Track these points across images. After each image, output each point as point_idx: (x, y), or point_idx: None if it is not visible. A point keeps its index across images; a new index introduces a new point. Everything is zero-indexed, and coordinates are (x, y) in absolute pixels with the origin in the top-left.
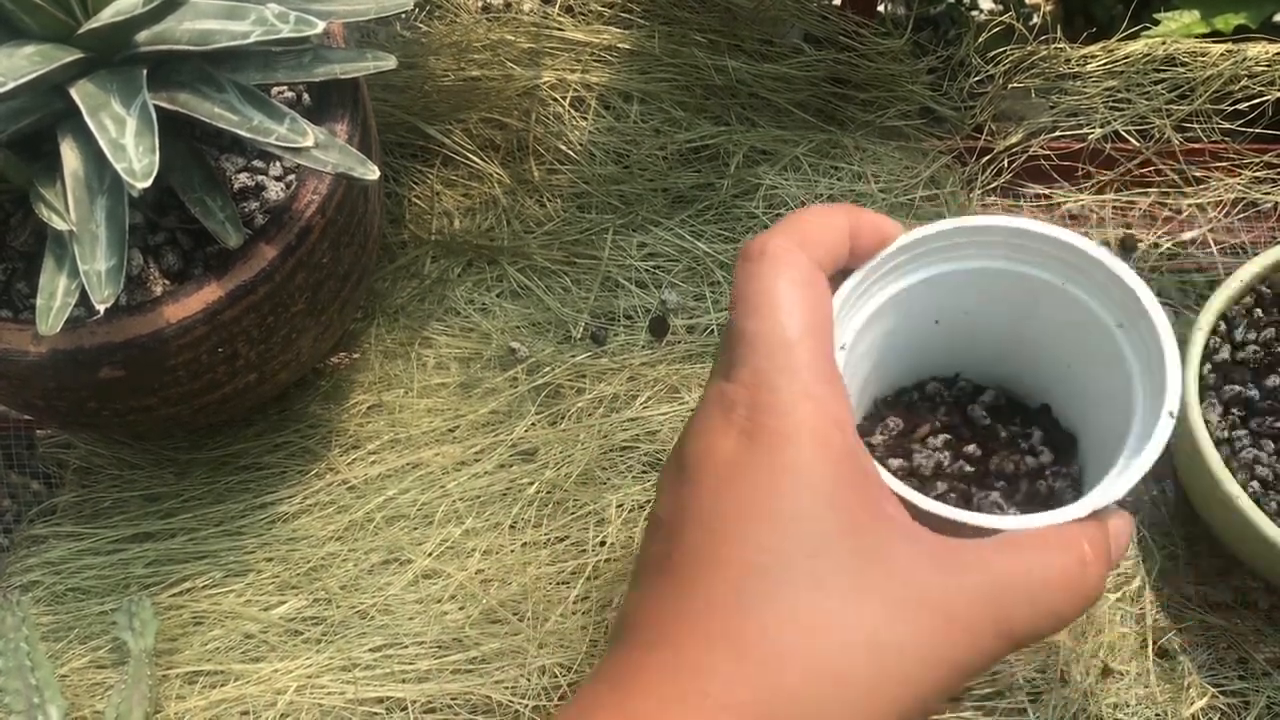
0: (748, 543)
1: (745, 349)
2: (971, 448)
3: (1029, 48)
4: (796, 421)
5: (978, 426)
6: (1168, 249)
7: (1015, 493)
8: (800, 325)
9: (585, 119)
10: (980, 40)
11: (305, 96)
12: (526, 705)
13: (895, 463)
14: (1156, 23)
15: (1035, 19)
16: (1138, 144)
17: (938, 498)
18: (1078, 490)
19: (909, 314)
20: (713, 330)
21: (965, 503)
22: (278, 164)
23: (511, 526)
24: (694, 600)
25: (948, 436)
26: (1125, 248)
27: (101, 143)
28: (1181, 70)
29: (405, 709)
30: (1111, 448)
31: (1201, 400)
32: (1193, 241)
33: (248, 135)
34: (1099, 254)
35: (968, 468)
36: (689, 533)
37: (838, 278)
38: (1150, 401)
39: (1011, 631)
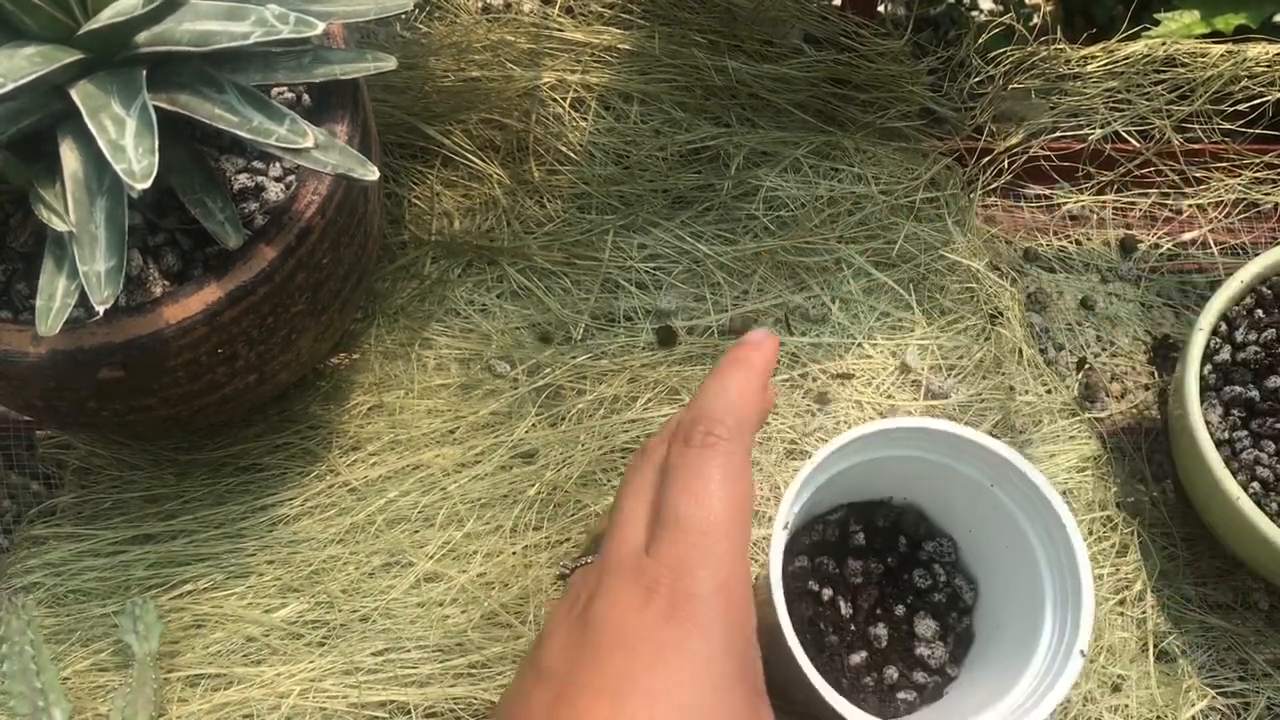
0: None
1: (676, 530)
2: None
3: (1029, 48)
4: (712, 617)
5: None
6: (1168, 250)
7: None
8: (730, 519)
9: (585, 120)
10: (980, 41)
11: (305, 97)
12: None
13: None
14: (1157, 23)
15: (1035, 19)
16: (1138, 144)
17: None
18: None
19: (850, 487)
20: (713, 331)
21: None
22: (278, 165)
23: (512, 529)
24: None
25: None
26: (1125, 249)
27: (101, 144)
28: (1182, 71)
29: (408, 713)
30: (1009, 656)
31: (1202, 401)
32: (1193, 242)
33: (248, 136)
34: (1034, 475)
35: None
36: (588, 696)
37: None
38: (1061, 624)
39: None
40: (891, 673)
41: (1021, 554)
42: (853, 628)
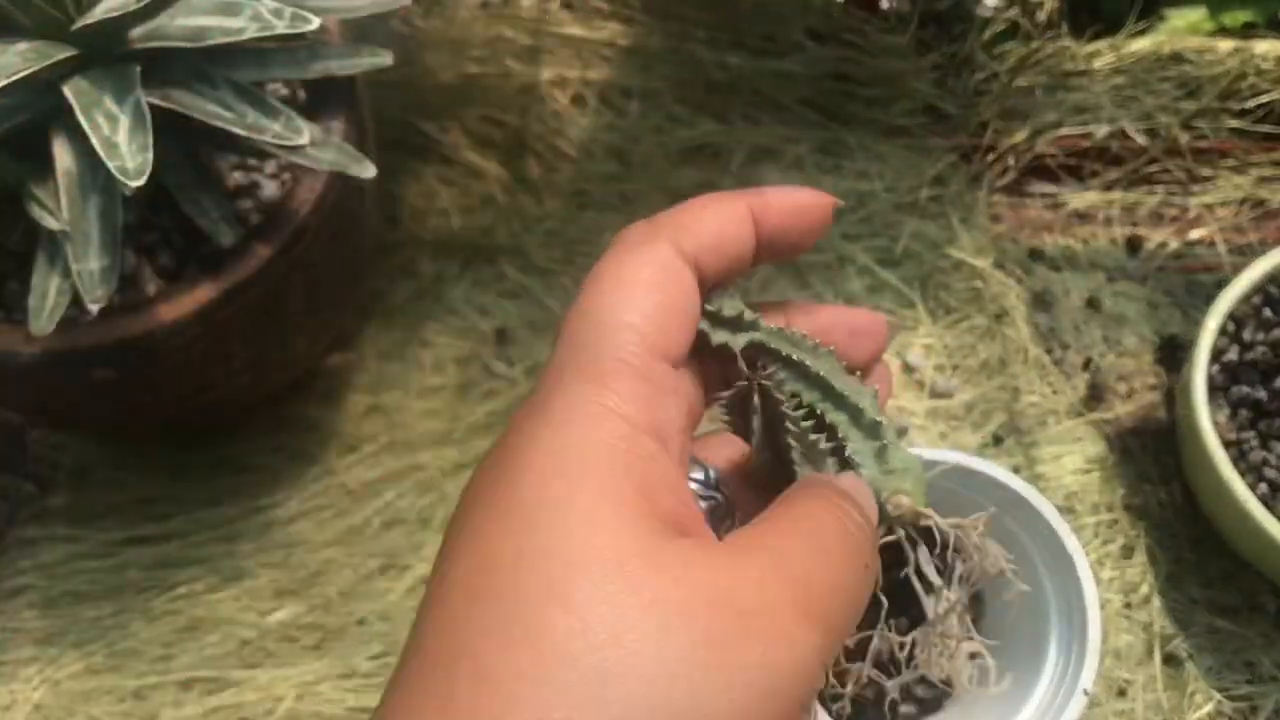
0: (502, 540)
1: (563, 329)
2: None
3: (1035, 44)
4: (571, 403)
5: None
6: (1175, 248)
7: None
8: (628, 311)
9: (585, 116)
10: (985, 37)
11: (301, 93)
12: None
13: None
14: (1163, 19)
15: (1041, 15)
16: (1145, 142)
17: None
18: None
19: None
20: None
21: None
22: (273, 162)
23: None
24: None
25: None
26: (1132, 247)
27: (94, 141)
28: (1189, 68)
29: None
30: (1012, 682)
31: (1210, 401)
32: (1200, 240)
33: (242, 133)
34: (1046, 510)
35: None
36: (452, 538)
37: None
38: (1066, 658)
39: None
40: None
41: (1027, 578)
42: (852, 645)
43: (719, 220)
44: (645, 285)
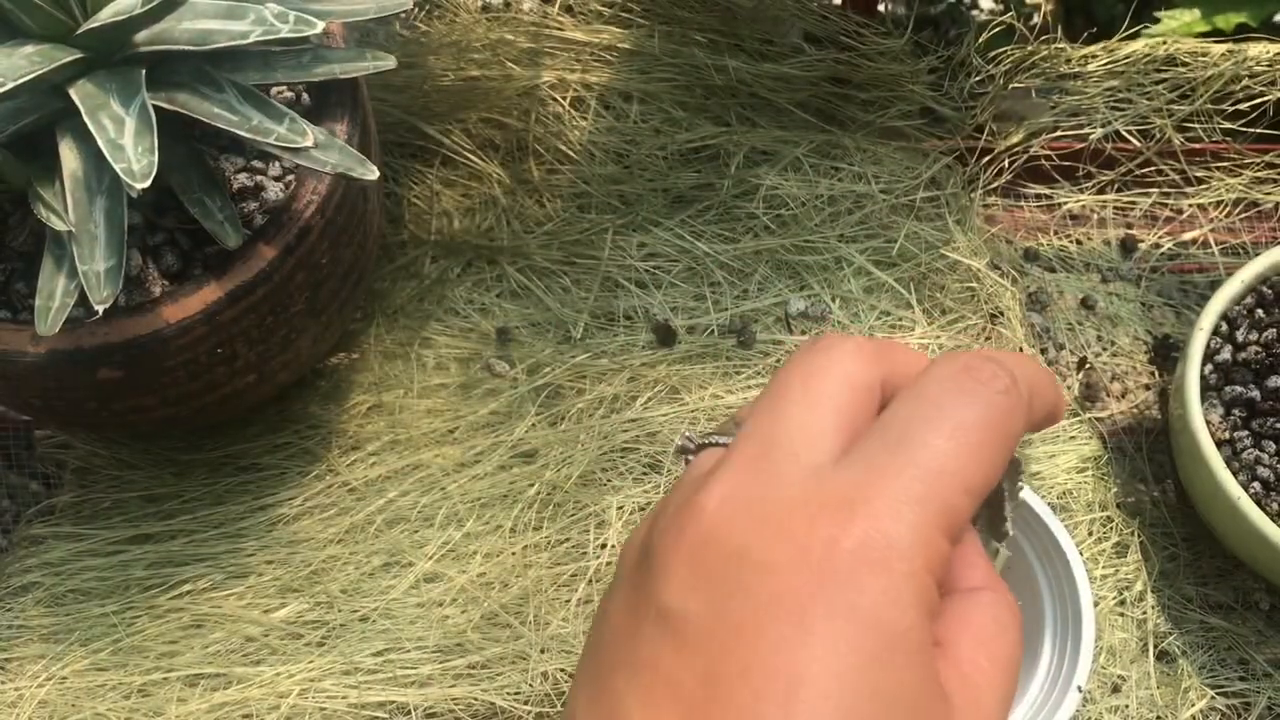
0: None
1: (900, 454)
2: None
3: (1029, 47)
4: (907, 574)
5: None
6: (1169, 249)
7: None
8: (972, 472)
9: (585, 119)
10: (981, 40)
11: (304, 96)
12: (530, 711)
13: None
14: (1157, 22)
15: (1036, 19)
16: (1139, 144)
17: None
18: None
19: None
20: (713, 330)
21: None
22: (277, 164)
23: (512, 529)
24: None
25: None
26: (1126, 248)
27: (100, 143)
28: (1182, 70)
29: (408, 714)
30: None
31: (1203, 401)
32: (1194, 242)
33: (247, 135)
34: (1036, 504)
35: None
36: (751, 686)
37: None
38: (1060, 653)
39: None
40: None
41: (1021, 575)
42: None
43: (1050, 396)
44: (996, 457)
